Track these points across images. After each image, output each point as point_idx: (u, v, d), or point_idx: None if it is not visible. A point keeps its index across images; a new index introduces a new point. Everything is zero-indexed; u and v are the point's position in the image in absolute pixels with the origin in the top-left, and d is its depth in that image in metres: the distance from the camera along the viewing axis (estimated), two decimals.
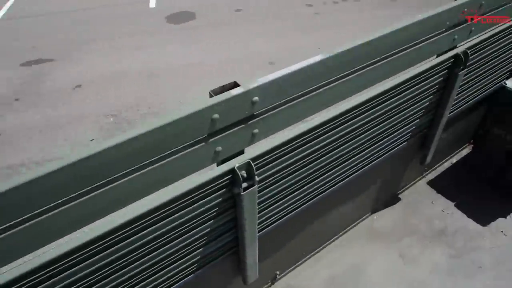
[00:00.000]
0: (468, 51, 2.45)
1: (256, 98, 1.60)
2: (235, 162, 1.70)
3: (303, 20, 7.59)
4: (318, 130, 1.96)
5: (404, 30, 2.05)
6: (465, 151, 3.60)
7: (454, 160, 3.51)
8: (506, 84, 2.90)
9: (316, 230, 2.67)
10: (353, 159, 2.39)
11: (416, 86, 2.41)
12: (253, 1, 8.37)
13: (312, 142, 1.99)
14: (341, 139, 2.17)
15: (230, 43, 6.99)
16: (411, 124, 2.64)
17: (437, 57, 2.44)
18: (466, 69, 2.52)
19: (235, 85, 1.62)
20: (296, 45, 6.85)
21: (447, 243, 2.90)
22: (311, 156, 2.06)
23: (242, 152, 1.79)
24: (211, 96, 1.58)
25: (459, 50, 2.45)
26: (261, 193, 1.92)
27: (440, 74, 2.49)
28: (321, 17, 7.68)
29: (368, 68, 2.03)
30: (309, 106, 1.86)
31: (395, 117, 2.44)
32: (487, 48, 2.67)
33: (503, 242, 2.90)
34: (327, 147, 2.11)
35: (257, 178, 1.76)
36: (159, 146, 1.41)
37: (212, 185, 1.69)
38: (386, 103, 2.28)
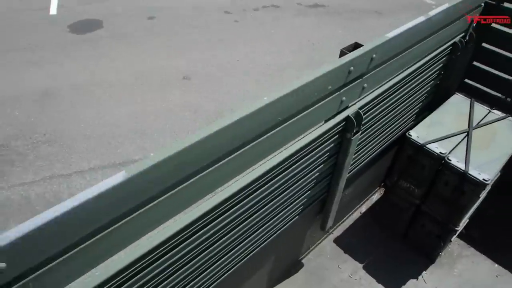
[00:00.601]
0: (361, 111, 1.96)
1: (2, 265, 0.96)
2: None
3: (221, 29, 6.94)
4: (177, 238, 1.44)
5: (279, 101, 1.49)
6: (376, 196, 3.19)
7: (363, 208, 3.08)
8: (410, 135, 2.47)
9: None
10: (237, 247, 1.88)
11: (306, 157, 1.93)
12: (168, 7, 7.57)
13: (172, 252, 1.44)
14: (216, 235, 1.66)
15: (140, 55, 6.21)
16: (305, 194, 2.15)
17: (325, 122, 1.93)
18: (360, 131, 2.04)
19: None
20: (213, 57, 6.22)
21: None
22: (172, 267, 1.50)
23: None
24: None
25: (350, 111, 1.95)
26: None
27: (331, 139, 1.99)
28: (240, 25, 7.08)
29: (236, 154, 1.47)
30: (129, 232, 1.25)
31: (286, 192, 1.97)
32: (382, 103, 2.20)
33: None
34: (198, 248, 1.60)
35: None
36: None
37: None
38: (272, 181, 1.80)
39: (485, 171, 2.27)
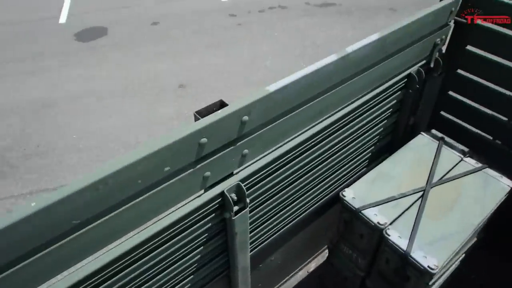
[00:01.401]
0: (244, 184, 1.42)
1: None
2: None
3: (223, 33, 6.45)
4: None
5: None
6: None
7: (312, 266, 2.50)
8: (344, 196, 1.86)
9: None
10: None
11: (184, 233, 1.44)
12: (173, 13, 7.16)
13: None
14: None
15: (139, 63, 5.94)
16: (200, 270, 1.65)
17: (205, 192, 1.42)
18: (249, 207, 1.50)
19: None
20: (211, 64, 5.79)
21: None
22: None
23: None
24: None
25: (226, 185, 1.41)
26: None
27: (204, 220, 1.47)
28: (243, 28, 6.53)
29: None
30: None
31: (175, 266, 1.51)
32: (291, 164, 1.63)
33: None
34: None
35: None
36: None
37: None
38: (158, 250, 1.38)
39: (435, 253, 1.63)
